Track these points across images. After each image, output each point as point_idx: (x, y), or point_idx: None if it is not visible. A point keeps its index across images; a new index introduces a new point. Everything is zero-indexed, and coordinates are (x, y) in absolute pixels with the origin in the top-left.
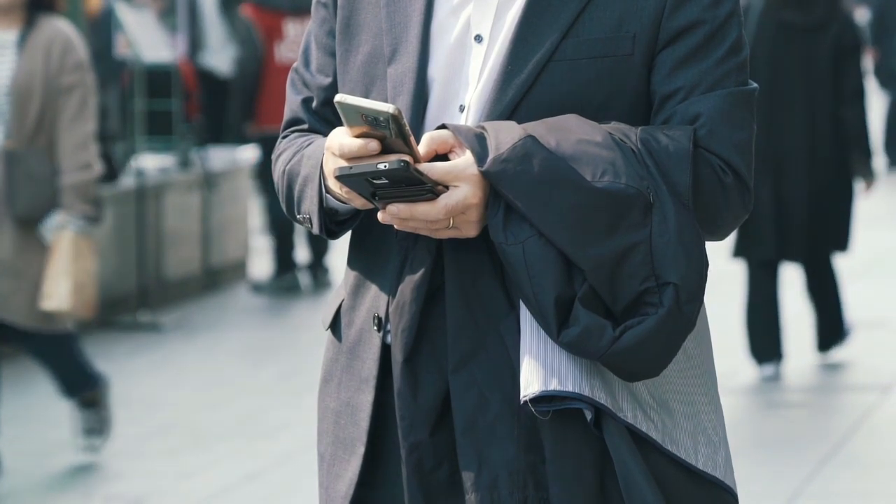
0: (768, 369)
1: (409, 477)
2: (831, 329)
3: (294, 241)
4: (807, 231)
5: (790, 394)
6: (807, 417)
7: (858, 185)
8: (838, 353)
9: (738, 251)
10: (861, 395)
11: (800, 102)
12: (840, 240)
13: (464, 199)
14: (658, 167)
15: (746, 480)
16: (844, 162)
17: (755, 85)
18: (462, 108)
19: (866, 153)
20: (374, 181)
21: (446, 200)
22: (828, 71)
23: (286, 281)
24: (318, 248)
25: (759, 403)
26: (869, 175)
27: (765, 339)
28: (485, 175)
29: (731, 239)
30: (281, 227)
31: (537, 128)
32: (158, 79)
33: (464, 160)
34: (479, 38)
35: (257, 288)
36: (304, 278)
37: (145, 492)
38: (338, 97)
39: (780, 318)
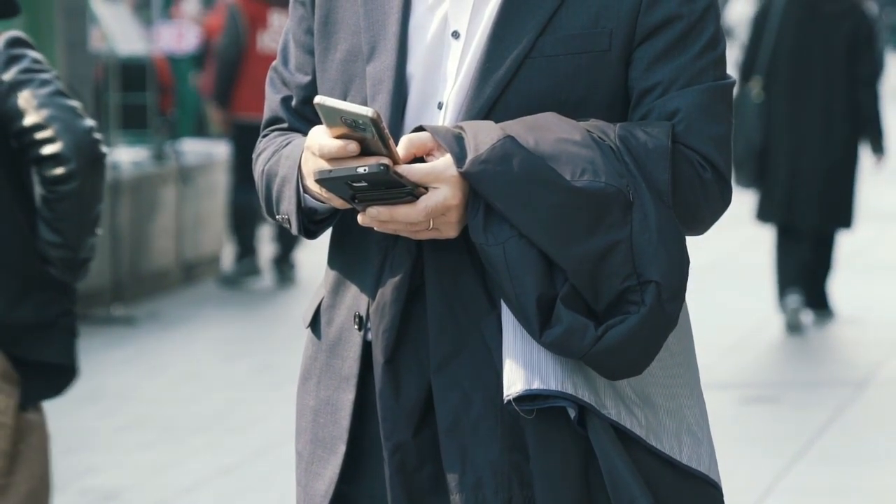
0: (793, 300)
1: (393, 477)
2: (818, 301)
3: (256, 225)
4: (817, 204)
5: (765, 389)
6: (781, 412)
7: (869, 160)
8: (814, 347)
9: (761, 216)
10: (836, 391)
11: (819, 84)
12: (843, 216)
13: (444, 200)
14: (637, 164)
15: (721, 476)
16: (854, 142)
17: (733, 79)
18: (440, 106)
19: (879, 132)
20: (354, 184)
21: (426, 202)
22: (844, 57)
23: (245, 266)
24: (287, 243)
25: (734, 398)
26: (880, 151)
27: (787, 277)
28: (464, 176)
29: (749, 206)
30: (239, 211)
31: (515, 127)
32: (133, 72)
33: (443, 162)
34: (456, 35)
35: (224, 280)
36: (267, 268)
37: (120, 485)
38: (317, 99)
39: (801, 269)
